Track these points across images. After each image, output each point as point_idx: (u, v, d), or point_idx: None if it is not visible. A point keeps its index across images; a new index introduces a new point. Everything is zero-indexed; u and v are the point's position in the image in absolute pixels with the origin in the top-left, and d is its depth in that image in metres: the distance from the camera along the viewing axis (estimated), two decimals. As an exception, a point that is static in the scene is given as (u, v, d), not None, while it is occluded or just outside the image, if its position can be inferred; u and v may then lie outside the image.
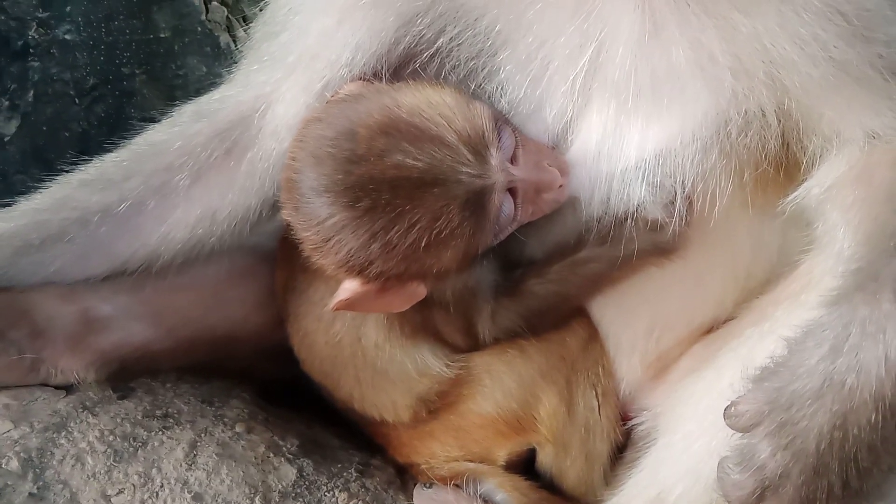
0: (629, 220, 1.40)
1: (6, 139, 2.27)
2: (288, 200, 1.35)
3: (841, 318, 1.05)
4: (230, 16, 2.37)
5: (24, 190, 1.58)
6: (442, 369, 1.53)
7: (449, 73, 1.40)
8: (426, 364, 1.52)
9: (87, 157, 1.59)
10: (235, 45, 2.29)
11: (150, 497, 1.37)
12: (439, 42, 1.37)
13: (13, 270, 1.50)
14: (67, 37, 2.29)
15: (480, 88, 1.39)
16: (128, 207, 1.50)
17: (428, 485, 1.56)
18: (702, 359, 1.48)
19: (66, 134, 2.33)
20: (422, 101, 1.31)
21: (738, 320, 1.47)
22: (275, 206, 1.51)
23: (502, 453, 1.57)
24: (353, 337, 1.52)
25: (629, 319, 1.55)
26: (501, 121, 1.36)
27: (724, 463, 1.10)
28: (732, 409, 1.09)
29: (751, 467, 1.06)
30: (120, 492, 1.37)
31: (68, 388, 1.52)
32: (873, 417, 1.01)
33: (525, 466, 1.59)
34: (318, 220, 1.29)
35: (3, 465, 1.34)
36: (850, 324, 1.04)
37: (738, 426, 1.08)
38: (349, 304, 1.34)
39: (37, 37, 2.27)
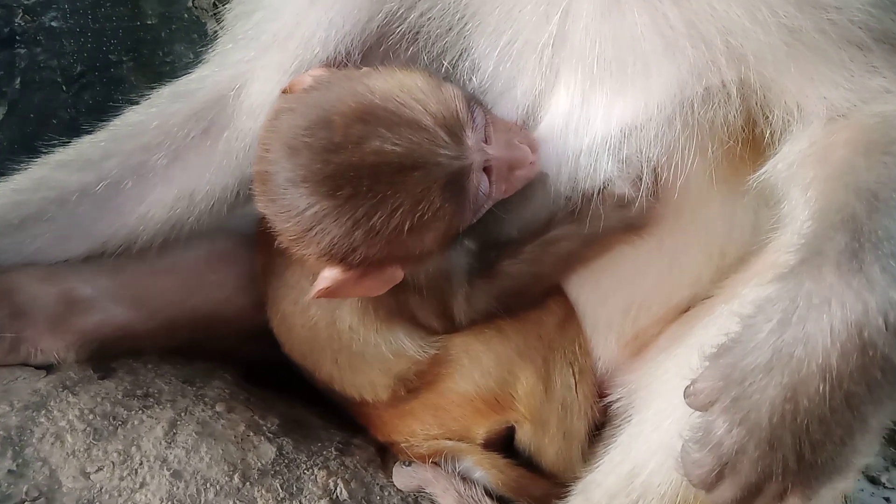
0: (597, 197, 1.40)
1: (-6, 127, 2.27)
2: (263, 193, 1.34)
3: (788, 292, 1.05)
4: (217, 2, 2.37)
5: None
6: (417, 351, 1.53)
7: (421, 52, 1.40)
8: (401, 346, 1.53)
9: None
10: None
11: (129, 474, 1.38)
12: (410, 18, 1.37)
13: None
14: (54, 24, 2.30)
15: (453, 66, 1.39)
16: (106, 187, 1.51)
17: (407, 463, 1.57)
18: (676, 337, 1.48)
19: (55, 121, 2.35)
20: (394, 85, 1.31)
21: (712, 299, 1.47)
22: (251, 186, 1.50)
23: (481, 431, 1.58)
24: (329, 320, 1.52)
25: (605, 298, 1.56)
26: (472, 101, 1.36)
27: (685, 443, 1.09)
28: (691, 387, 1.08)
29: (708, 444, 1.05)
30: (99, 469, 1.38)
31: (48, 368, 1.53)
32: (821, 388, 1.00)
33: (504, 444, 1.60)
34: (298, 211, 1.29)
35: (-19, 443, 1.35)
36: (796, 297, 1.03)
37: (697, 405, 1.08)
38: (329, 293, 1.35)
39: (23, 24, 2.28)
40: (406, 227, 1.27)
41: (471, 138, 1.31)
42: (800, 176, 1.27)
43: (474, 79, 1.38)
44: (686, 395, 1.09)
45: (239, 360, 1.78)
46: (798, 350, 1.01)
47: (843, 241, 1.04)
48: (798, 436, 1.02)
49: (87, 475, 1.37)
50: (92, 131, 1.60)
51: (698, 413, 1.08)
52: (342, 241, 1.28)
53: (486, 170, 1.34)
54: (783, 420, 1.02)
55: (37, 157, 1.58)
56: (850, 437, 1.03)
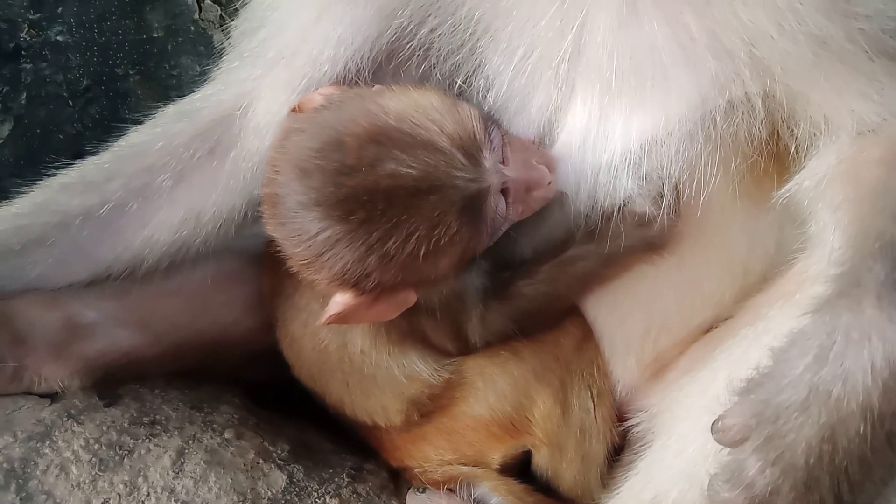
0: (616, 215, 1.36)
1: (-1, 142, 2.25)
2: (272, 216, 1.31)
3: (825, 325, 1.00)
4: (224, 14, 2.35)
5: (18, 194, 1.56)
6: (431, 374, 1.50)
7: (433, 70, 1.36)
8: (414, 369, 1.49)
9: (82, 160, 1.57)
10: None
11: (135, 506, 1.35)
12: (420, 34, 1.34)
13: None
14: (59, 38, 2.28)
15: (466, 84, 1.36)
16: (109, 210, 1.47)
17: (421, 489, 1.53)
18: (698, 359, 1.44)
19: (61, 136, 2.32)
20: (408, 105, 1.27)
21: (735, 319, 1.43)
22: (259, 207, 1.46)
23: (497, 456, 1.54)
24: (339, 343, 1.49)
25: (624, 319, 1.51)
26: (489, 121, 1.32)
27: (713, 480, 1.05)
28: (719, 423, 1.04)
29: (740, 484, 1.01)
30: (105, 501, 1.34)
31: (53, 396, 1.49)
32: (862, 428, 0.96)
33: (520, 469, 1.56)
34: (309, 236, 1.25)
35: (-16, 477, 1.32)
36: (833, 331, 0.99)
37: (726, 441, 1.04)
38: (341, 318, 1.31)
39: (28, 38, 2.25)
40: (421, 253, 1.23)
41: (488, 160, 1.27)
42: (828, 195, 1.22)
43: (489, 97, 1.34)
44: (714, 430, 1.04)
45: (247, 381, 1.75)
46: (836, 388, 0.96)
47: (882, 272, 1.00)
48: (836, 477, 0.98)
49: (92, 508, 1.33)
50: (98, 146, 1.57)
51: (727, 448, 1.04)
52: (355, 266, 1.24)
53: (504, 191, 1.31)
54: (820, 461, 0.97)
55: (43, 173, 1.56)
56: (891, 477, 1.00)
